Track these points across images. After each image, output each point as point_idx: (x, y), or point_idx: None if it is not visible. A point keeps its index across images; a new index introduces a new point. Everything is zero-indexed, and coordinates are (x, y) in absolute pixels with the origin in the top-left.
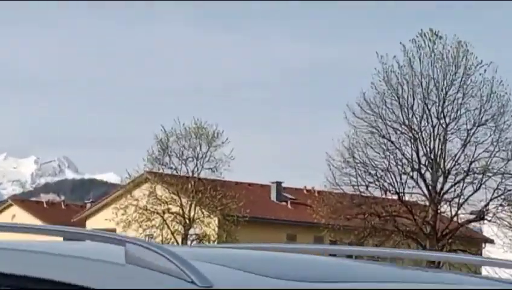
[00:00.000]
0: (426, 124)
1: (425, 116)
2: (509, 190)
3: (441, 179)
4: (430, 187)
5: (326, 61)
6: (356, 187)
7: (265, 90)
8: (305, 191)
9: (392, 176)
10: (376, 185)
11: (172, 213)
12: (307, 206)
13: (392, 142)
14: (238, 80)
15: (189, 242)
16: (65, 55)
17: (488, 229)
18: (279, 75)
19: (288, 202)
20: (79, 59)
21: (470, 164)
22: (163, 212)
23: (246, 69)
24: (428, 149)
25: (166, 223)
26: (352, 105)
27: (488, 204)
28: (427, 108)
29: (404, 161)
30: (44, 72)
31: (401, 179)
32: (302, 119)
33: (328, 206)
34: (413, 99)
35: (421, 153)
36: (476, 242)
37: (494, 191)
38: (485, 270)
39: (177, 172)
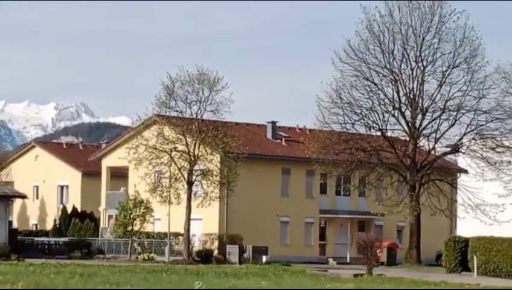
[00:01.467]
0: (406, 67)
1: (404, 60)
2: (481, 125)
3: (419, 117)
4: (409, 124)
5: (315, 13)
6: (343, 125)
7: (260, 39)
8: (297, 130)
9: (376, 115)
10: (361, 123)
11: (178, 151)
12: (299, 143)
13: (375, 84)
14: (236, 29)
15: (194, 177)
16: (85, 7)
17: (462, 160)
18: (273, 25)
19: (283, 140)
20: (97, 11)
21: (446, 102)
22: (171, 151)
23: (243, 20)
24: (408, 90)
25: (174, 160)
26: (338, 51)
27: (462, 138)
28: (406, 53)
29: (386, 100)
30: (63, 23)
31: (383, 117)
32: (294, 65)
33: (319, 142)
34: (394, 45)
35: (401, 94)
36: (451, 172)
37: (468, 126)
38: (460, 198)
39: (182, 114)
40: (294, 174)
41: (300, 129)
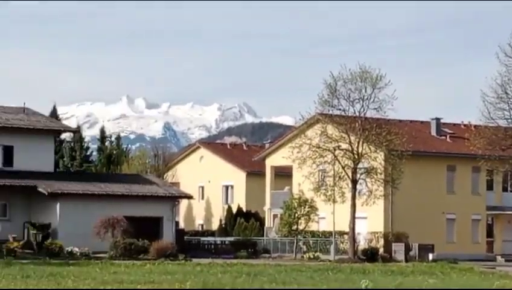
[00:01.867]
0: None
1: None
2: None
3: None
4: None
5: (478, 7)
6: (510, 120)
7: (423, 35)
8: (462, 126)
9: None
10: None
11: (342, 150)
12: (464, 140)
13: None
14: (398, 26)
15: (358, 175)
16: (248, 8)
17: None
18: (436, 21)
19: (447, 136)
20: (259, 12)
21: None
22: (334, 149)
23: (405, 16)
24: None
25: (337, 159)
26: (503, 46)
27: None
28: None
29: None
30: (226, 24)
31: None
32: (457, 61)
33: (484, 138)
34: None
35: None
36: None
37: None
38: None
39: (345, 113)
40: (459, 171)
41: (465, 125)
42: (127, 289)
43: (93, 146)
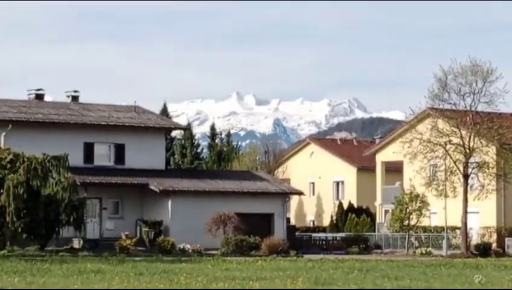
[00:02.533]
0: None
1: None
2: None
3: None
4: None
5: None
6: None
7: None
8: None
9: None
10: None
11: (453, 144)
12: None
13: None
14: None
15: (469, 169)
16: (353, 2)
17: None
18: None
19: None
20: (373, 4)
21: None
22: (445, 144)
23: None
24: None
25: (448, 154)
26: None
27: None
28: None
29: None
30: (334, 20)
31: None
32: None
33: None
34: None
35: None
36: None
37: None
38: None
39: (456, 107)
40: None
41: None
42: (232, 289)
43: (204, 143)
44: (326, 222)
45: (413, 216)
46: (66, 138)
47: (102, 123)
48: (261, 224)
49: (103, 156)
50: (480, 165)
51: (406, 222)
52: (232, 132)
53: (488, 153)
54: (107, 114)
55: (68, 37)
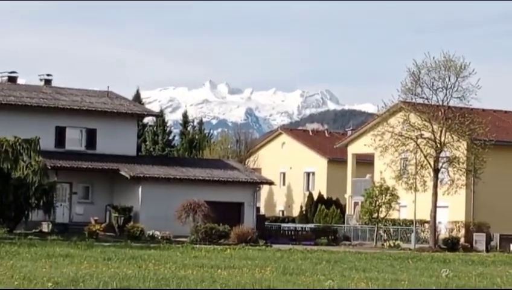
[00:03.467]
0: None
1: None
2: None
3: None
4: None
5: None
6: None
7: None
8: None
9: None
10: None
11: (424, 138)
12: None
13: None
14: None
15: (440, 164)
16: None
17: None
18: None
19: None
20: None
21: None
22: (417, 138)
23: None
24: None
25: (420, 148)
26: None
27: None
28: None
29: None
30: (307, 12)
31: None
32: None
33: None
34: None
35: None
36: None
37: None
38: None
39: (428, 101)
40: None
41: None
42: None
43: (176, 130)
44: (295, 212)
45: (383, 209)
46: (38, 122)
47: (75, 107)
48: (230, 213)
49: (75, 140)
50: (451, 160)
51: (375, 215)
52: (204, 120)
53: (459, 148)
54: (80, 98)
55: (42, 21)
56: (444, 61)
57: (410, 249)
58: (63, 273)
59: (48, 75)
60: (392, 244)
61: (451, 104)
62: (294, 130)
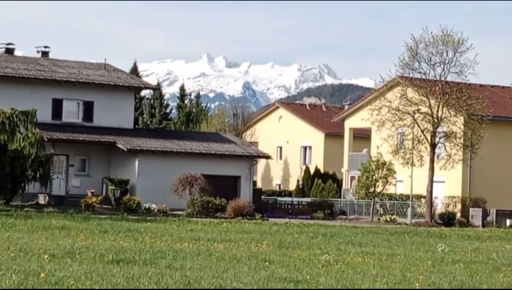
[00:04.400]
0: None
1: None
2: None
3: None
4: None
5: None
6: None
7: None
8: None
9: None
10: None
11: (421, 113)
12: None
13: None
14: None
15: (437, 139)
16: None
17: None
18: None
19: None
20: None
21: None
22: (414, 113)
23: None
24: None
25: (417, 122)
26: None
27: None
28: None
29: None
30: None
31: None
32: None
33: None
34: None
35: None
36: None
37: None
38: None
39: (425, 76)
40: None
41: None
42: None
43: (173, 104)
44: (292, 186)
45: (379, 183)
46: (35, 94)
47: (72, 80)
48: (227, 186)
49: (71, 112)
50: (448, 135)
51: (372, 189)
52: (201, 93)
53: (456, 123)
54: (77, 71)
55: None
56: (442, 36)
57: (406, 224)
58: (59, 246)
59: (45, 47)
60: (388, 219)
61: (448, 79)
62: (292, 104)
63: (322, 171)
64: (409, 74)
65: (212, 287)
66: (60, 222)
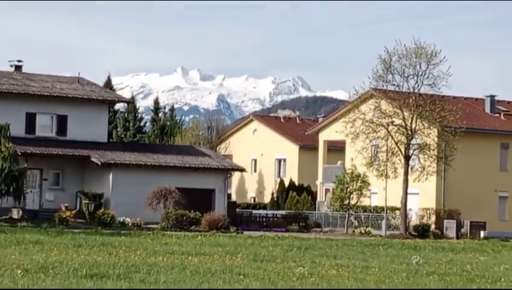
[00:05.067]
0: None
1: None
2: None
3: None
4: None
5: None
6: None
7: (479, 12)
8: None
9: None
10: None
11: (395, 125)
12: None
13: None
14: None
15: (411, 151)
16: None
17: None
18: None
19: (501, 114)
20: None
21: None
22: (388, 125)
23: None
24: None
25: (391, 135)
26: None
27: None
28: None
29: None
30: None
31: None
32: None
33: None
34: None
35: None
36: None
37: None
38: None
39: (399, 88)
40: None
41: None
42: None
43: (147, 117)
44: (267, 199)
45: (354, 196)
46: (8, 108)
47: (45, 94)
48: (202, 199)
49: (45, 127)
50: (422, 147)
51: (346, 201)
52: (175, 106)
53: (430, 135)
54: (50, 85)
55: (13, 6)
56: (415, 49)
57: (381, 236)
58: (32, 260)
59: (19, 61)
60: (363, 231)
61: (422, 91)
62: (266, 116)
63: (296, 183)
64: (383, 86)
65: None
66: (33, 237)
